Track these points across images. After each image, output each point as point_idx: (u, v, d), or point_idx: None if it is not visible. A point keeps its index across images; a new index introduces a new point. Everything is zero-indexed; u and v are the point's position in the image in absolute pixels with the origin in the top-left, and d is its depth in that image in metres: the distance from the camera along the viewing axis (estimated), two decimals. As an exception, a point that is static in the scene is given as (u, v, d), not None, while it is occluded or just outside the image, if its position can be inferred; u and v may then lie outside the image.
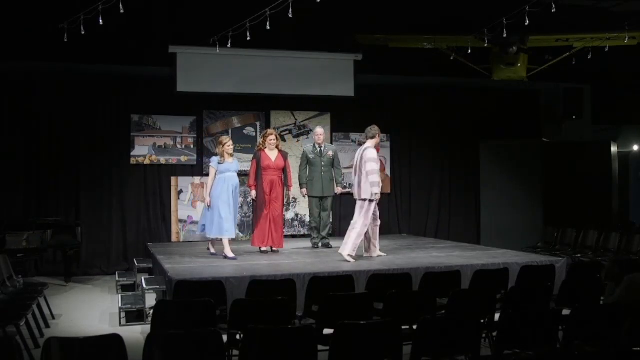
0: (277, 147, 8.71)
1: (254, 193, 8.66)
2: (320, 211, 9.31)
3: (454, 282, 6.39)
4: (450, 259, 7.97)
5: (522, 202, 12.47)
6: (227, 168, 8.39)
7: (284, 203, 9.04)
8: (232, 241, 8.52)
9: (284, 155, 8.79)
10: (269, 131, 8.90)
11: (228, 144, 8.42)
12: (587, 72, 11.55)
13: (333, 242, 9.15)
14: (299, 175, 9.37)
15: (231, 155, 8.46)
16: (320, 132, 9.33)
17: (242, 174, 11.33)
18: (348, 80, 11.49)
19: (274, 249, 8.65)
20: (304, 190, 9.32)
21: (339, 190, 9.41)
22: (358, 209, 7.98)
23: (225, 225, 8.19)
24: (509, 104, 12.96)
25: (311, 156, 9.21)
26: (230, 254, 8.13)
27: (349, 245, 7.86)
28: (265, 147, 8.66)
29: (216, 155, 8.67)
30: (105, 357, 3.95)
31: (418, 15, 10.06)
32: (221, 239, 8.28)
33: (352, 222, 8.07)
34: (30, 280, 9.20)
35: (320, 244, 9.30)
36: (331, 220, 9.53)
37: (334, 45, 11.11)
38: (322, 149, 9.27)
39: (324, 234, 9.34)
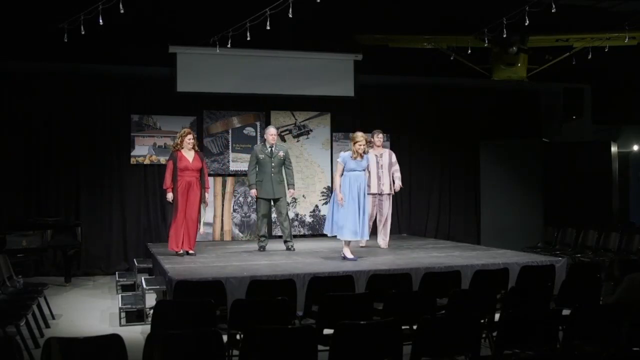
0: (194, 147, 8.43)
1: (170, 195, 8.33)
2: (277, 215, 9.14)
3: (454, 282, 6.39)
4: (450, 259, 7.96)
5: (522, 202, 12.46)
6: (354, 166, 7.95)
7: (201, 206, 8.61)
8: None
9: (200, 156, 8.53)
10: (186, 130, 8.57)
11: (361, 142, 7.90)
12: (587, 72, 11.55)
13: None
14: (248, 176, 9.09)
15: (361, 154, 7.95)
16: (273, 132, 9.02)
17: (242, 174, 11.40)
18: (348, 80, 11.49)
19: (189, 252, 8.33)
20: (254, 192, 8.97)
21: (290, 193, 9.07)
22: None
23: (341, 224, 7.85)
24: (509, 104, 12.96)
25: (261, 156, 8.87)
26: (349, 255, 7.88)
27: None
28: (182, 148, 8.36)
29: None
30: (105, 357, 3.95)
31: (418, 15, 10.05)
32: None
33: (380, 215, 9.28)
34: (30, 280, 9.19)
35: (264, 248, 8.97)
36: (289, 222, 9.14)
37: (334, 45, 11.11)
38: (273, 149, 8.92)
39: (286, 238, 9.02)
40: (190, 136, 8.44)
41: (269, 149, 8.91)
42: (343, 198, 7.80)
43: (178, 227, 8.26)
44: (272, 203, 9.00)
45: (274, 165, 8.88)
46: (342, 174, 7.93)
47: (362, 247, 9.07)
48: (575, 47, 10.12)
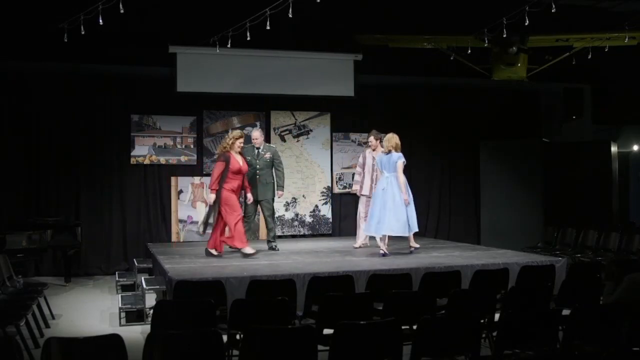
0: (241, 151, 8.40)
1: (212, 197, 8.20)
2: (263, 216, 9.02)
3: (454, 282, 6.39)
4: (450, 259, 7.97)
5: (522, 202, 12.46)
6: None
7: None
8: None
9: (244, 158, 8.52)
10: (239, 133, 8.44)
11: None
12: (587, 72, 11.56)
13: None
14: None
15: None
16: (255, 135, 8.98)
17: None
18: (348, 80, 11.50)
19: (217, 253, 8.31)
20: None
21: (279, 194, 9.04)
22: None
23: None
24: (509, 104, 12.96)
25: (248, 158, 8.74)
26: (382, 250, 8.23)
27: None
28: (232, 150, 8.28)
29: None
30: (105, 357, 3.95)
31: (418, 15, 10.06)
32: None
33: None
34: (30, 280, 9.21)
35: (276, 247, 8.98)
36: (274, 224, 9.11)
37: (334, 45, 11.12)
38: (260, 151, 8.91)
39: (269, 238, 9.02)
40: (241, 140, 8.34)
41: (256, 151, 8.90)
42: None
43: (239, 223, 8.12)
44: (255, 205, 8.92)
45: (259, 167, 8.85)
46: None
47: (355, 247, 9.15)
48: (575, 47, 10.12)
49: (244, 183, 8.44)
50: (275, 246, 8.97)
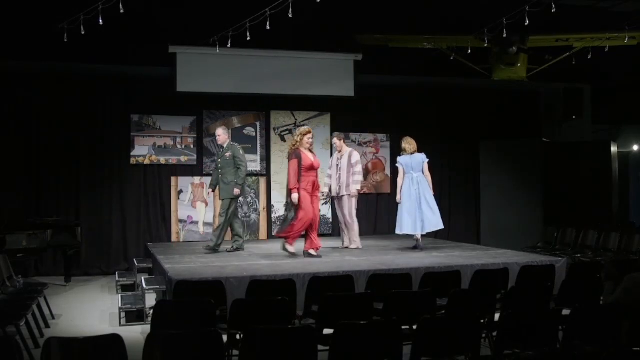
0: (310, 147, 8.26)
1: (295, 196, 8.00)
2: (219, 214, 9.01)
3: (454, 282, 6.39)
4: (450, 259, 7.97)
5: (522, 202, 12.46)
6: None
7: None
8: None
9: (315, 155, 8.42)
10: (307, 129, 8.29)
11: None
12: (587, 72, 11.56)
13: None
14: (212, 178, 9.29)
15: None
16: (219, 132, 8.96)
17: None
18: (348, 80, 11.49)
19: (313, 253, 8.22)
20: (210, 192, 9.30)
21: (236, 192, 8.79)
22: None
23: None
24: (509, 104, 12.96)
25: (214, 158, 8.83)
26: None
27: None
28: (301, 146, 8.15)
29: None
30: (105, 357, 3.95)
31: (418, 15, 10.06)
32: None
33: (343, 217, 9.26)
34: (30, 280, 9.20)
35: (242, 247, 8.92)
36: (226, 224, 8.89)
37: (334, 45, 11.11)
38: (222, 150, 8.92)
39: (215, 238, 8.85)
40: (310, 135, 8.22)
41: (219, 150, 8.93)
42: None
43: (303, 226, 8.05)
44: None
45: (221, 166, 8.86)
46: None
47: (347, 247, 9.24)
48: (575, 47, 10.13)
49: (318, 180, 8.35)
50: (239, 247, 8.87)
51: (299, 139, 8.18)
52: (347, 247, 9.24)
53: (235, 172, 8.79)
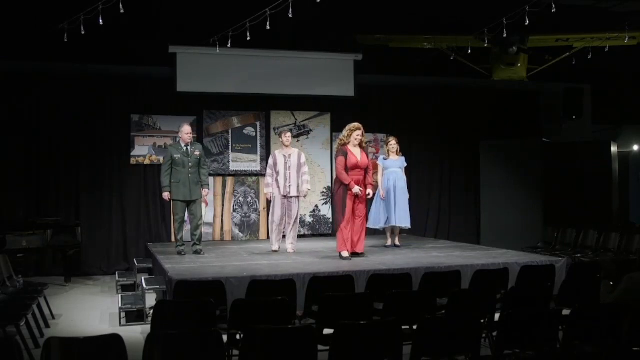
0: (361, 144, 8.01)
1: (357, 188, 7.89)
2: (191, 218, 8.47)
3: (454, 282, 6.39)
4: (450, 259, 7.96)
5: (522, 202, 12.46)
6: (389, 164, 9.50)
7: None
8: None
9: (367, 153, 8.21)
10: (356, 125, 8.02)
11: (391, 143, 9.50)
12: (587, 72, 11.56)
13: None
14: (162, 178, 8.40)
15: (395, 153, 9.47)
16: (187, 130, 8.47)
17: (242, 174, 11.43)
18: (348, 80, 11.50)
19: (359, 253, 8.18)
20: (167, 195, 8.33)
21: (205, 192, 8.51)
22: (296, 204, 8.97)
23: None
24: (509, 104, 12.96)
25: (176, 156, 8.27)
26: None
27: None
28: (349, 143, 7.91)
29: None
30: (105, 357, 3.95)
31: (418, 15, 10.07)
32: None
33: (289, 218, 8.91)
34: (30, 280, 9.19)
35: (184, 252, 8.43)
36: (201, 224, 8.68)
37: (334, 45, 11.12)
38: (189, 148, 8.38)
39: (195, 241, 8.50)
40: (359, 132, 7.98)
41: (185, 148, 8.37)
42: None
43: (343, 227, 7.96)
44: (187, 205, 8.42)
45: (191, 165, 8.34)
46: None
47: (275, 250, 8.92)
48: (575, 47, 10.14)
49: (366, 180, 8.11)
50: (201, 250, 8.49)
51: (346, 135, 8.02)
52: (276, 251, 8.83)
53: (200, 172, 8.46)
